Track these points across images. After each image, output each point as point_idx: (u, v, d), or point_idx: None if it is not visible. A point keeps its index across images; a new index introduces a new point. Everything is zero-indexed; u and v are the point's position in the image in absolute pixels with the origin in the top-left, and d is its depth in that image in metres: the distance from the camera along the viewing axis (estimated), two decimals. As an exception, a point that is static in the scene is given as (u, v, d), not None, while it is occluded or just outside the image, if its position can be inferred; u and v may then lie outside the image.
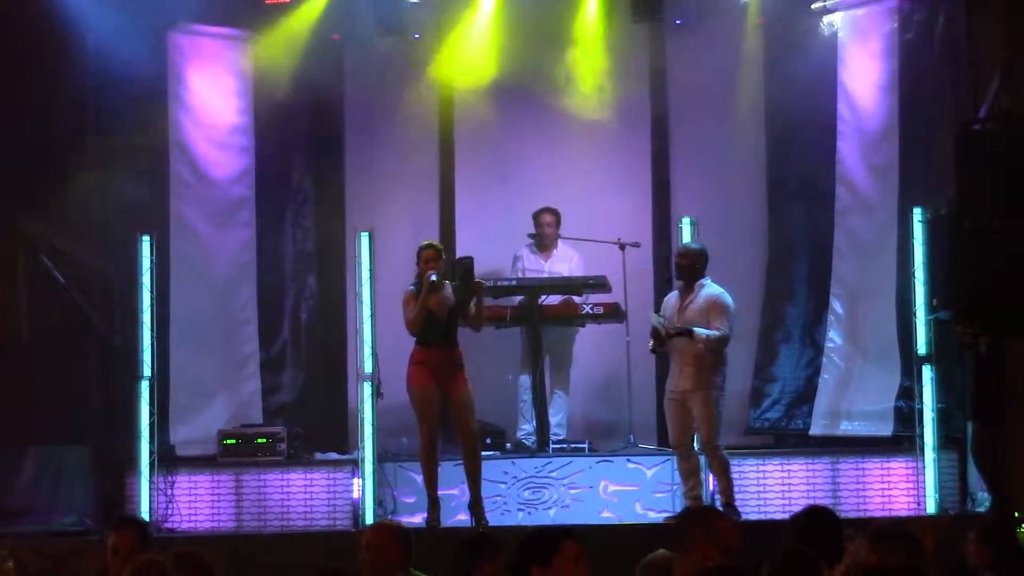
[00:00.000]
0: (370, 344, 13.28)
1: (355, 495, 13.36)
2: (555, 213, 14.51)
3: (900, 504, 13.21)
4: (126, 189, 14.21)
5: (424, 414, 12.29)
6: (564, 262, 14.50)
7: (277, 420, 14.43)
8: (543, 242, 14.54)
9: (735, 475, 12.95)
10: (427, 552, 8.13)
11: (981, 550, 8.16)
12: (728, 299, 12.42)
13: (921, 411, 13.03)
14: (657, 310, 12.99)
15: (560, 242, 14.56)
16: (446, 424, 12.85)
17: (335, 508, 13.58)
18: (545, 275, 14.31)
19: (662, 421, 14.09)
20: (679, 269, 12.74)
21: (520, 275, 14.41)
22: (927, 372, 13.02)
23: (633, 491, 13.24)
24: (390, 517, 12.92)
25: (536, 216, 14.51)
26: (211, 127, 14.93)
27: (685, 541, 6.65)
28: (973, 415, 12.71)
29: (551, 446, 13.74)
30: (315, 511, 13.63)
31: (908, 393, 13.37)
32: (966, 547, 8.44)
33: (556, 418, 14.15)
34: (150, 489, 13.42)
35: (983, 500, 12.63)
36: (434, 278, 12.26)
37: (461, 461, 12.49)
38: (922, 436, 13.01)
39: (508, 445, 14.06)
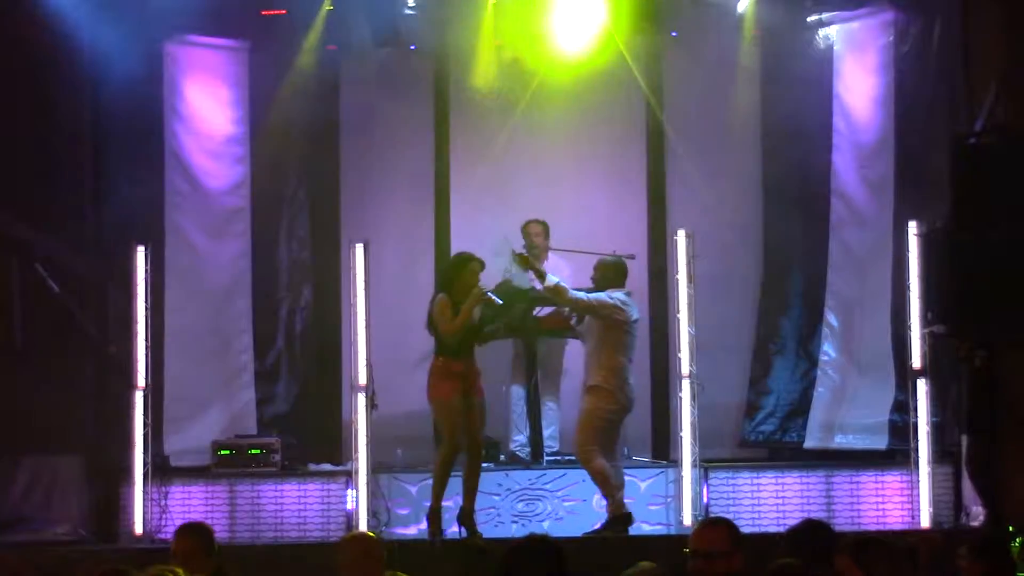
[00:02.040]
0: (365, 355, 13.25)
1: (349, 506, 13.34)
2: (543, 224, 14.48)
3: (894, 518, 13.21)
4: (121, 199, 14.20)
5: (456, 427, 12.17)
6: (554, 274, 14.45)
7: (271, 431, 14.40)
8: (532, 253, 14.52)
9: (728, 487, 12.96)
10: (430, 564, 8.12)
11: (973, 565, 8.13)
12: (609, 296, 12.43)
13: (916, 425, 13.03)
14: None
15: (550, 253, 14.54)
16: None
17: (329, 519, 13.56)
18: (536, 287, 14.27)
19: (656, 433, 14.13)
20: (592, 281, 12.79)
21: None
22: (922, 386, 13.02)
23: (627, 503, 13.21)
24: (383, 529, 12.94)
25: (524, 228, 14.48)
26: (207, 137, 14.93)
27: None
28: (968, 429, 12.70)
29: (545, 458, 13.73)
30: (309, 522, 13.61)
31: (903, 406, 13.38)
32: (959, 562, 8.41)
33: (548, 430, 14.13)
34: (144, 499, 13.41)
35: (977, 514, 12.62)
36: (493, 296, 12.38)
37: (458, 472, 12.44)
38: (917, 450, 13.01)
39: (502, 456, 14.06)
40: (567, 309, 13.10)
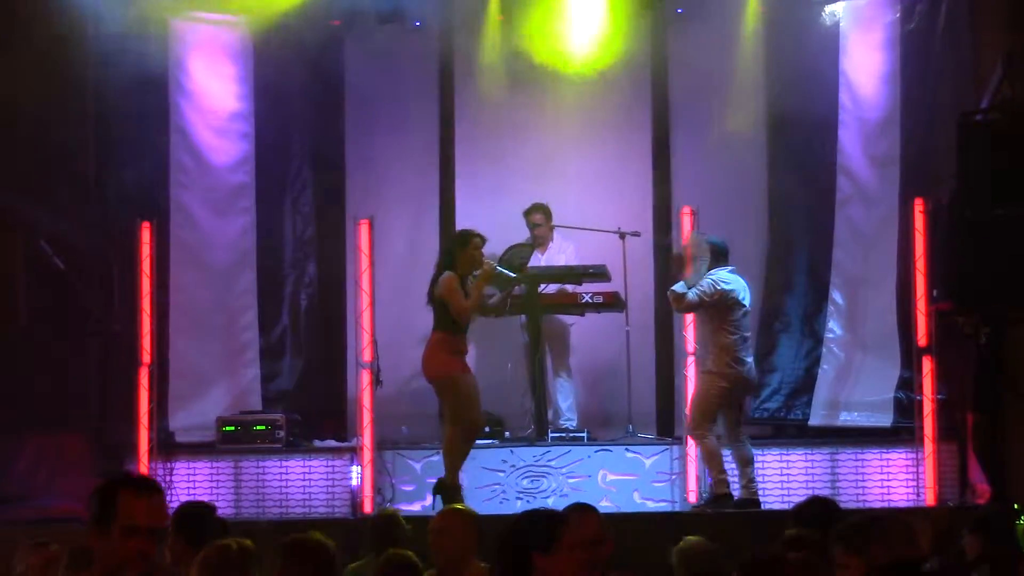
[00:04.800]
0: (369, 332, 13.25)
1: (354, 483, 13.36)
2: (543, 210, 14.46)
3: (899, 495, 13.21)
4: (126, 175, 14.25)
5: (473, 401, 12.22)
6: (560, 254, 14.46)
7: (276, 407, 14.39)
8: (537, 239, 14.50)
9: (733, 465, 12.96)
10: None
11: (974, 541, 8.13)
12: (712, 279, 12.43)
13: (921, 402, 13.02)
14: None
15: (555, 233, 14.53)
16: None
17: (334, 496, 13.57)
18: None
19: (661, 410, 14.11)
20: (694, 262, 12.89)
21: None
22: (927, 363, 13.01)
23: (632, 480, 13.24)
24: (388, 505, 12.94)
25: (526, 215, 14.47)
26: (211, 113, 14.91)
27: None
28: (973, 406, 12.69)
29: (550, 434, 13.72)
30: (314, 499, 13.62)
31: (908, 384, 13.38)
32: (964, 539, 8.41)
33: (566, 403, 14.17)
34: (149, 476, 13.41)
35: (983, 492, 12.62)
36: (503, 270, 12.51)
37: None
38: (922, 427, 13.00)
39: (506, 433, 14.06)
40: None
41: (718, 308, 12.44)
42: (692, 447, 13.03)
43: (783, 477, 13.42)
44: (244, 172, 14.97)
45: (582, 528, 6.57)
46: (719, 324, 12.46)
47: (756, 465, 12.82)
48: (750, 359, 12.60)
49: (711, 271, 12.49)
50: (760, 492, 12.81)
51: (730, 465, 12.56)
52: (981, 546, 8.07)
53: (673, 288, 12.52)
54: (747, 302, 12.59)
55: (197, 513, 8.36)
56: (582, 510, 6.85)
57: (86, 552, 7.03)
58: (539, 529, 6.23)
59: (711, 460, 12.49)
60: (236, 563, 6.74)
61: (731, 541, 8.67)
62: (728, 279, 12.50)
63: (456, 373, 12.16)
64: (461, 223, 15.03)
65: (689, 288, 12.42)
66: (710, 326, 12.54)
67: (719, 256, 12.65)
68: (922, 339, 13.04)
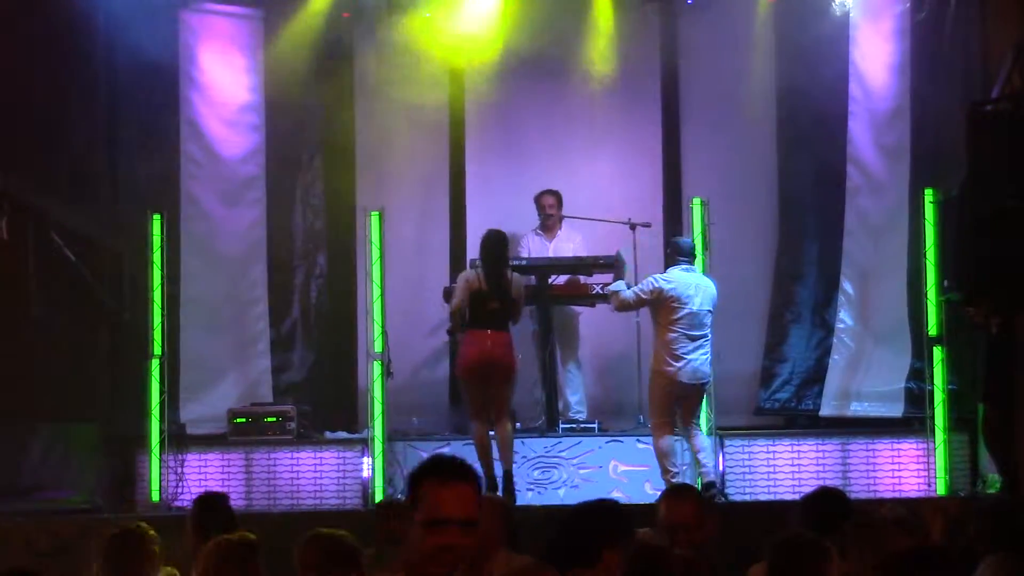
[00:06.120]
0: (380, 323, 13.26)
1: (365, 474, 13.36)
2: (556, 195, 14.48)
3: (910, 485, 13.20)
4: (137, 167, 14.25)
5: None
6: (568, 242, 14.46)
7: (287, 399, 14.42)
8: (547, 224, 14.51)
9: (744, 455, 12.99)
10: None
11: (984, 532, 8.11)
12: (652, 279, 12.56)
13: (932, 392, 13.01)
14: None
15: (564, 222, 14.53)
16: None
17: (344, 487, 13.58)
18: (550, 256, 14.26)
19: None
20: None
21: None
22: (938, 353, 13.00)
23: (643, 471, 13.23)
24: (399, 497, 12.94)
25: (538, 199, 14.49)
26: (222, 105, 14.93)
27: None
28: (984, 396, 12.66)
29: (560, 425, 13.72)
30: (325, 490, 13.63)
31: (919, 374, 13.38)
32: (974, 529, 8.39)
33: (575, 396, 14.17)
34: (160, 467, 13.45)
35: (994, 482, 12.60)
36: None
37: (472, 441, 12.47)
38: (933, 417, 13.00)
39: (517, 424, 14.05)
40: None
41: (656, 306, 12.51)
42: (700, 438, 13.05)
43: (794, 467, 13.42)
44: (254, 164, 15.00)
45: (670, 513, 6.66)
46: (658, 322, 12.56)
47: (764, 456, 12.86)
48: (694, 356, 12.41)
49: (669, 268, 12.59)
50: (771, 483, 12.83)
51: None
52: (992, 536, 8.06)
53: (611, 287, 12.70)
54: (694, 302, 12.45)
55: (208, 504, 8.37)
56: (676, 494, 7.05)
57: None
58: (608, 525, 6.23)
59: (659, 458, 12.49)
60: (239, 555, 6.73)
61: (740, 531, 8.67)
62: (671, 277, 12.50)
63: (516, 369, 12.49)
64: (471, 214, 15.08)
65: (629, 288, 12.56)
66: (655, 324, 12.67)
67: (674, 255, 12.69)
68: (932, 329, 13.04)
